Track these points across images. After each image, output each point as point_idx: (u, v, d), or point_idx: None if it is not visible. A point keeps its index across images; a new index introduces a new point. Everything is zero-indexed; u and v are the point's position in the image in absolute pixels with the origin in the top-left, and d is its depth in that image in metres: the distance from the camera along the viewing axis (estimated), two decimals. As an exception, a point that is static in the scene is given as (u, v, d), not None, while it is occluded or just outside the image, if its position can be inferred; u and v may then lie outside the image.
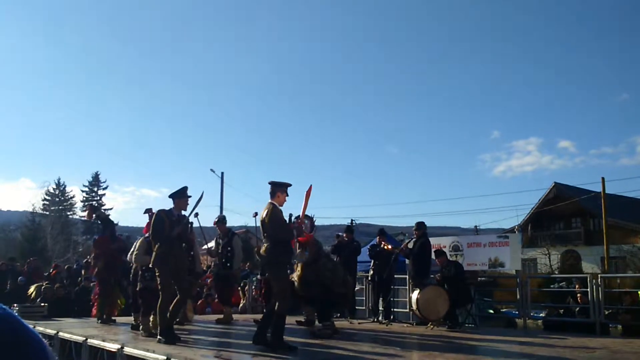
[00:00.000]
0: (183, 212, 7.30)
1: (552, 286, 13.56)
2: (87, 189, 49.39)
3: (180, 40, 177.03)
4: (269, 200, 6.70)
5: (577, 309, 9.92)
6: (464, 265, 10.30)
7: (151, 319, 7.83)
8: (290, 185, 6.81)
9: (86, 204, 44.35)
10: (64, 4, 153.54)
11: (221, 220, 10.32)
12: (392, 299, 10.60)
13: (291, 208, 7.46)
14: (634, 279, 18.16)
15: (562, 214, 35.61)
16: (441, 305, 8.90)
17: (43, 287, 11.95)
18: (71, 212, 47.82)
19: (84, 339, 7.40)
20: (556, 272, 30.13)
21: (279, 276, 6.53)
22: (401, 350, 6.65)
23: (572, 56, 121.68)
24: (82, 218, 41.64)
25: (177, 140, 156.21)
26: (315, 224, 8.42)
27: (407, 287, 10.74)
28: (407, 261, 10.45)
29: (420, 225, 9.99)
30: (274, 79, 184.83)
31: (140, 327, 8.02)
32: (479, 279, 12.26)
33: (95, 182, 49.44)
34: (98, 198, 48.61)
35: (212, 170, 33.73)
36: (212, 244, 10.73)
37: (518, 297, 10.12)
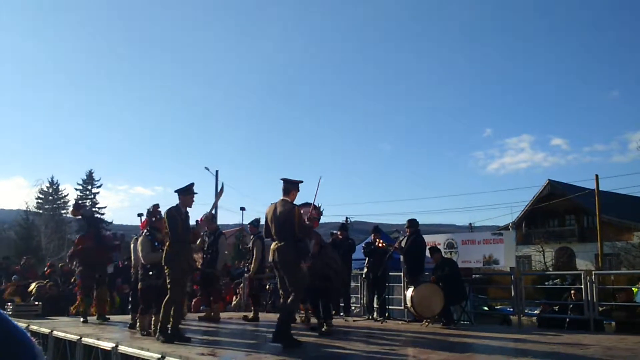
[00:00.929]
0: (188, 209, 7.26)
1: (546, 283, 13.61)
2: (80, 187, 49.13)
3: (175, 39, 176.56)
4: (282, 197, 6.61)
5: (572, 305, 9.97)
6: (459, 262, 10.31)
7: (152, 318, 7.77)
8: (302, 182, 6.73)
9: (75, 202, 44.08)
10: (62, 4, 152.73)
11: (209, 218, 10.30)
12: (386, 296, 10.61)
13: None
14: (628, 275, 18.24)
15: (556, 211, 35.79)
16: (436, 302, 8.91)
17: (38, 286, 11.91)
18: (65, 211, 47.47)
19: (78, 337, 7.38)
20: (550, 269, 30.28)
21: (296, 277, 6.47)
22: (396, 348, 6.65)
23: (563, 54, 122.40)
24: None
25: (171, 138, 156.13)
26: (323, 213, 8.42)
27: (402, 285, 10.76)
28: (401, 259, 10.48)
29: (412, 222, 10.00)
30: (267, 78, 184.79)
31: (137, 325, 7.99)
32: (474, 276, 12.27)
33: (89, 180, 49.08)
34: (92, 196, 48.34)
35: (206, 168, 33.79)
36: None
37: (512, 294, 10.14)
